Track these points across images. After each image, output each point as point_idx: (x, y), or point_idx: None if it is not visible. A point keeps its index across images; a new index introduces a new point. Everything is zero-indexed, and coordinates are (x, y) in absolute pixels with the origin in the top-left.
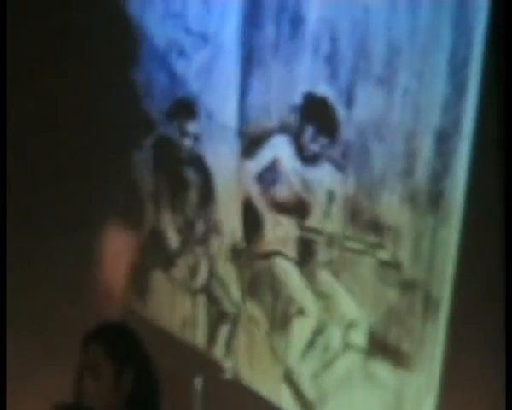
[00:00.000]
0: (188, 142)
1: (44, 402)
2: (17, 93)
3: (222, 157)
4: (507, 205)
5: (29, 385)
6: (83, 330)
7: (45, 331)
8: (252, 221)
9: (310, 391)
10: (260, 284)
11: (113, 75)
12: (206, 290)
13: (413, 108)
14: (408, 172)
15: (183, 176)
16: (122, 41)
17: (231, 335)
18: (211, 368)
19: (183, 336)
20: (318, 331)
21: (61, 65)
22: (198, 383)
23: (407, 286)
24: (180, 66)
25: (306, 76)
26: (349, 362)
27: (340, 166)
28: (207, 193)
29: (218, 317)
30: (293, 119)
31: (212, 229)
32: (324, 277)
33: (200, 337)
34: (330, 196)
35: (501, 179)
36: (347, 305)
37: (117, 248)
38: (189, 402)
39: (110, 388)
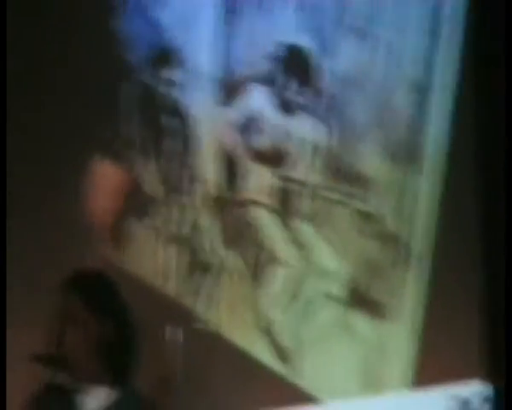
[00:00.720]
0: (168, 90)
1: None
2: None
3: (203, 106)
4: (486, 162)
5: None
6: (61, 276)
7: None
8: (233, 170)
9: (289, 343)
10: (242, 234)
11: (91, 24)
12: (189, 241)
13: (393, 61)
14: (389, 125)
15: (163, 124)
16: None
17: (212, 285)
18: (192, 320)
19: (164, 287)
20: (298, 282)
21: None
22: (177, 334)
23: (388, 239)
24: (158, 13)
25: (288, 27)
26: (329, 314)
27: (321, 118)
28: (187, 142)
29: (199, 268)
30: (274, 69)
31: (193, 178)
32: (305, 227)
33: (181, 289)
34: (312, 147)
35: (480, 133)
36: (328, 256)
37: (98, 195)
38: (168, 354)
39: (90, 337)
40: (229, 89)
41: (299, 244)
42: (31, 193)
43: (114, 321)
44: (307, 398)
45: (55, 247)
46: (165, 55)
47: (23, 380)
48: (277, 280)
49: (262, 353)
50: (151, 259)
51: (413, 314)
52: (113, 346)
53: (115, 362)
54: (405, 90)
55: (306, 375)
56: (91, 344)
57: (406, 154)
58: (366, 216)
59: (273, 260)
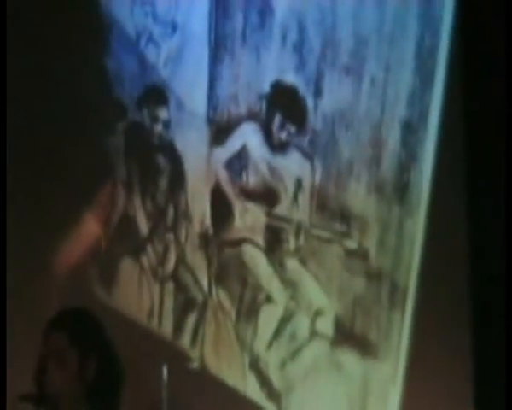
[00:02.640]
0: (158, 128)
1: None
2: None
3: (191, 144)
4: (469, 196)
5: None
6: (46, 318)
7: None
8: (221, 208)
9: (276, 380)
10: (228, 271)
11: (84, 62)
12: (174, 278)
13: (380, 99)
14: (374, 162)
15: (154, 162)
16: (92, 28)
17: (198, 323)
18: (177, 358)
19: (149, 324)
20: (285, 319)
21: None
22: (164, 372)
23: (373, 276)
24: (150, 53)
25: (274, 65)
26: (316, 351)
27: (307, 155)
28: (177, 179)
29: (185, 305)
30: (261, 107)
31: (182, 216)
32: (292, 265)
33: (166, 326)
34: (298, 185)
35: (466, 171)
36: (314, 293)
37: (85, 234)
38: (154, 392)
39: (74, 375)
40: (217, 127)
41: (285, 281)
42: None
43: (98, 359)
44: None
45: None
46: (152, 94)
47: None
48: (264, 317)
49: (250, 389)
50: (136, 296)
51: (399, 351)
52: (98, 383)
53: (99, 399)
54: (391, 127)
55: None
56: (75, 382)
57: (391, 189)
58: (351, 252)
59: (259, 296)
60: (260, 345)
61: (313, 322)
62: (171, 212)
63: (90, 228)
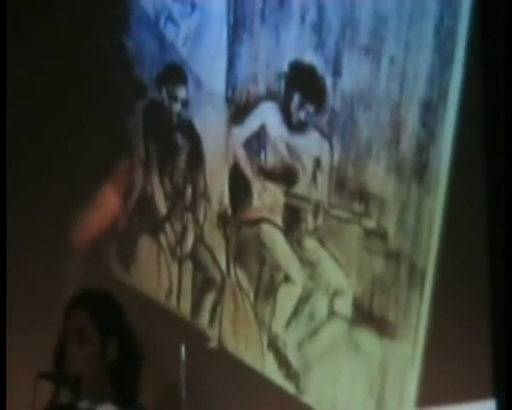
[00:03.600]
0: (177, 107)
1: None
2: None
3: (210, 123)
4: (488, 177)
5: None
6: (66, 297)
7: (27, 297)
8: (239, 188)
9: (294, 359)
10: (247, 250)
11: (103, 41)
12: (193, 257)
13: (399, 78)
14: (393, 142)
15: (172, 141)
16: (113, 7)
17: (216, 302)
18: (195, 336)
19: (167, 303)
20: (304, 299)
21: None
22: (182, 351)
23: (392, 256)
24: (169, 32)
25: (293, 44)
26: (334, 331)
27: (326, 135)
28: (196, 159)
29: (203, 284)
30: (280, 86)
31: (200, 195)
32: (310, 244)
33: (185, 305)
34: (316, 164)
35: (485, 151)
36: (333, 273)
37: (104, 213)
38: (172, 371)
39: (95, 354)
40: (236, 107)
41: (303, 261)
42: (37, 210)
43: (118, 339)
44: None
45: (62, 265)
46: (171, 73)
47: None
48: (282, 297)
49: (267, 369)
50: (154, 274)
51: (417, 332)
52: (118, 363)
53: (119, 380)
54: (410, 107)
55: (312, 392)
56: (96, 362)
57: (410, 169)
58: (370, 232)
59: (278, 276)
60: (278, 325)
61: (331, 302)
62: (189, 191)
63: (108, 207)
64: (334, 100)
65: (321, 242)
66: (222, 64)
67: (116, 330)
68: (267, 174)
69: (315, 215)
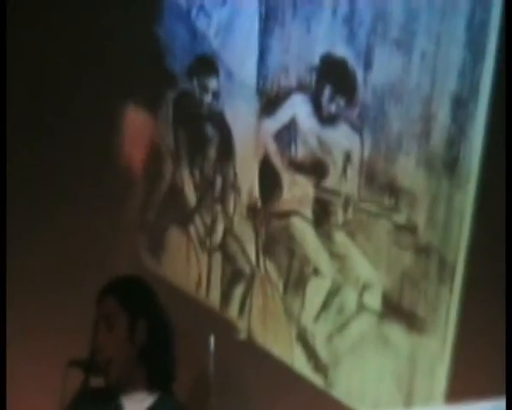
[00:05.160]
0: (208, 98)
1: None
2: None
3: (241, 115)
4: None
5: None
6: (96, 287)
7: (58, 288)
8: (269, 180)
9: (323, 353)
10: (276, 243)
11: (136, 31)
12: (222, 249)
13: (430, 73)
14: (424, 136)
15: (203, 132)
16: None
17: (246, 294)
18: (224, 328)
19: (197, 294)
20: (333, 293)
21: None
22: (211, 342)
23: (422, 250)
24: (200, 23)
25: (325, 37)
26: (363, 325)
27: (356, 128)
28: (226, 150)
29: (233, 276)
30: (311, 79)
31: (230, 187)
32: (340, 238)
33: (214, 296)
34: (347, 158)
35: None
36: (362, 267)
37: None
38: (201, 362)
39: (124, 339)
40: (267, 98)
41: (333, 254)
42: (71, 197)
43: (148, 323)
44: (340, 408)
45: (92, 252)
46: (202, 64)
47: (59, 386)
48: (311, 290)
49: (296, 362)
50: (184, 265)
51: (447, 327)
52: (148, 347)
53: (151, 366)
54: (441, 101)
55: (340, 385)
56: (125, 346)
57: (441, 164)
58: (400, 227)
59: (307, 269)
60: (307, 318)
61: (361, 296)
62: (219, 183)
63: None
64: (364, 93)
65: (350, 235)
66: (253, 56)
67: (145, 312)
68: (297, 167)
69: (344, 209)
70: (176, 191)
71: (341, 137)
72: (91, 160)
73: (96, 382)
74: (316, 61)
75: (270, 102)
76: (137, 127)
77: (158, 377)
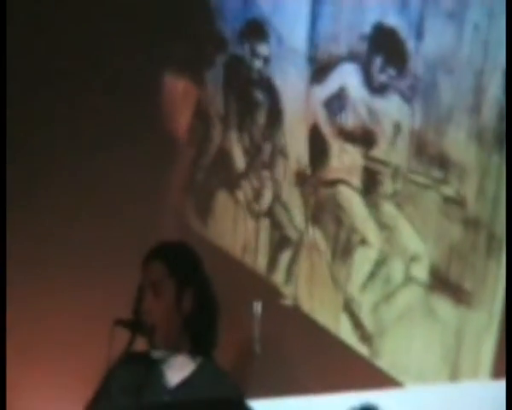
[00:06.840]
0: (258, 63)
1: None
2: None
3: (290, 81)
4: None
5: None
6: (142, 249)
7: (101, 251)
8: (318, 147)
9: (369, 322)
10: (324, 211)
11: None
12: (270, 215)
13: (482, 45)
14: (475, 108)
15: (252, 97)
16: None
17: (292, 261)
18: (270, 293)
19: (243, 259)
20: (380, 262)
21: None
22: (257, 307)
23: (471, 223)
24: None
25: (376, 6)
26: (410, 296)
27: (407, 99)
28: (275, 116)
29: (280, 242)
30: (362, 48)
31: (279, 153)
32: (388, 208)
33: (261, 262)
34: (396, 128)
35: None
36: (410, 238)
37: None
38: (246, 327)
39: (171, 306)
40: (317, 66)
41: (381, 224)
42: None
43: (195, 291)
44: (385, 379)
45: (139, 217)
46: (253, 28)
47: (105, 345)
48: (358, 259)
49: (343, 331)
50: (231, 229)
51: (494, 301)
52: (193, 315)
53: (195, 332)
54: (492, 74)
55: (385, 356)
56: (171, 312)
57: (491, 137)
58: (449, 199)
59: (354, 238)
60: (354, 287)
61: (408, 267)
62: (267, 148)
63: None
64: (416, 64)
65: (398, 206)
66: (304, 22)
67: (192, 280)
68: (346, 136)
69: (393, 179)
70: (224, 155)
71: (391, 108)
72: (137, 123)
73: (140, 345)
74: (367, 30)
75: (320, 69)
76: (184, 91)
77: (200, 346)
